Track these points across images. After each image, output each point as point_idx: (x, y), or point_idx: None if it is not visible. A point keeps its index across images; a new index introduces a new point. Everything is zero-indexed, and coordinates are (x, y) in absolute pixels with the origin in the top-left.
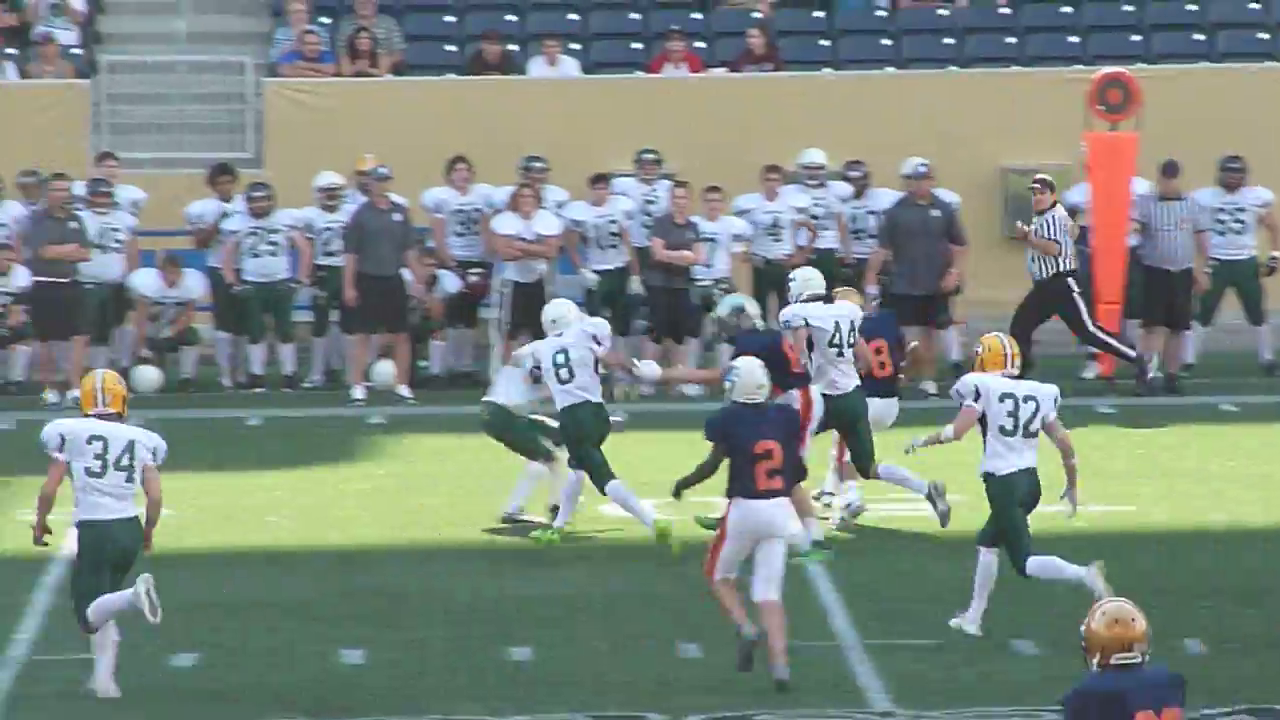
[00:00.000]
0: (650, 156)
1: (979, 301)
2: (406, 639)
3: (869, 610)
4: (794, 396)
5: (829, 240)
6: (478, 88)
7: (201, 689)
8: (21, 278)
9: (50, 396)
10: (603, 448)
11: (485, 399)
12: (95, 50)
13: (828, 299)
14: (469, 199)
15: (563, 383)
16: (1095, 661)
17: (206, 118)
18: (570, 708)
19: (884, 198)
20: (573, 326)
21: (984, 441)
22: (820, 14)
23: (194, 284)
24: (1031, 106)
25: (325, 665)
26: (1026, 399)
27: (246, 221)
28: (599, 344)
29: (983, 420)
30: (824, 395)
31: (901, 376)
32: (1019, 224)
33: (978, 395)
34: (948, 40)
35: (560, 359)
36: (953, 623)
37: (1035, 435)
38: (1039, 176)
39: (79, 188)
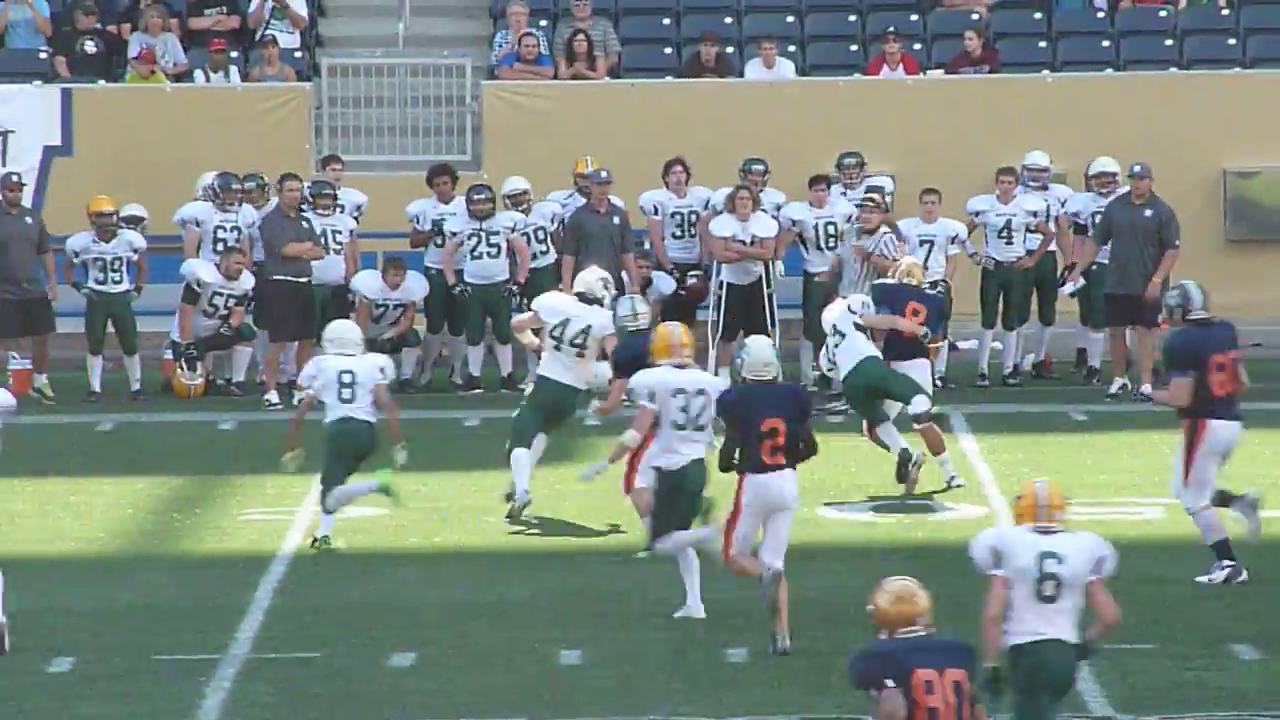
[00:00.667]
0: (851, 160)
1: None
2: (625, 640)
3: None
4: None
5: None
6: (694, 90)
7: (420, 688)
8: (248, 282)
9: (272, 398)
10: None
11: None
12: (316, 53)
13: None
14: (686, 201)
15: (344, 401)
16: (883, 636)
17: (425, 120)
18: (786, 711)
19: (1078, 198)
20: (361, 353)
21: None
22: (1039, 15)
23: (415, 286)
24: (1253, 108)
25: (544, 666)
26: (698, 392)
27: (468, 223)
28: (383, 374)
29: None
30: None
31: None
32: (853, 243)
33: (652, 396)
34: (1168, 42)
35: (347, 378)
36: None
37: (704, 428)
38: (869, 196)
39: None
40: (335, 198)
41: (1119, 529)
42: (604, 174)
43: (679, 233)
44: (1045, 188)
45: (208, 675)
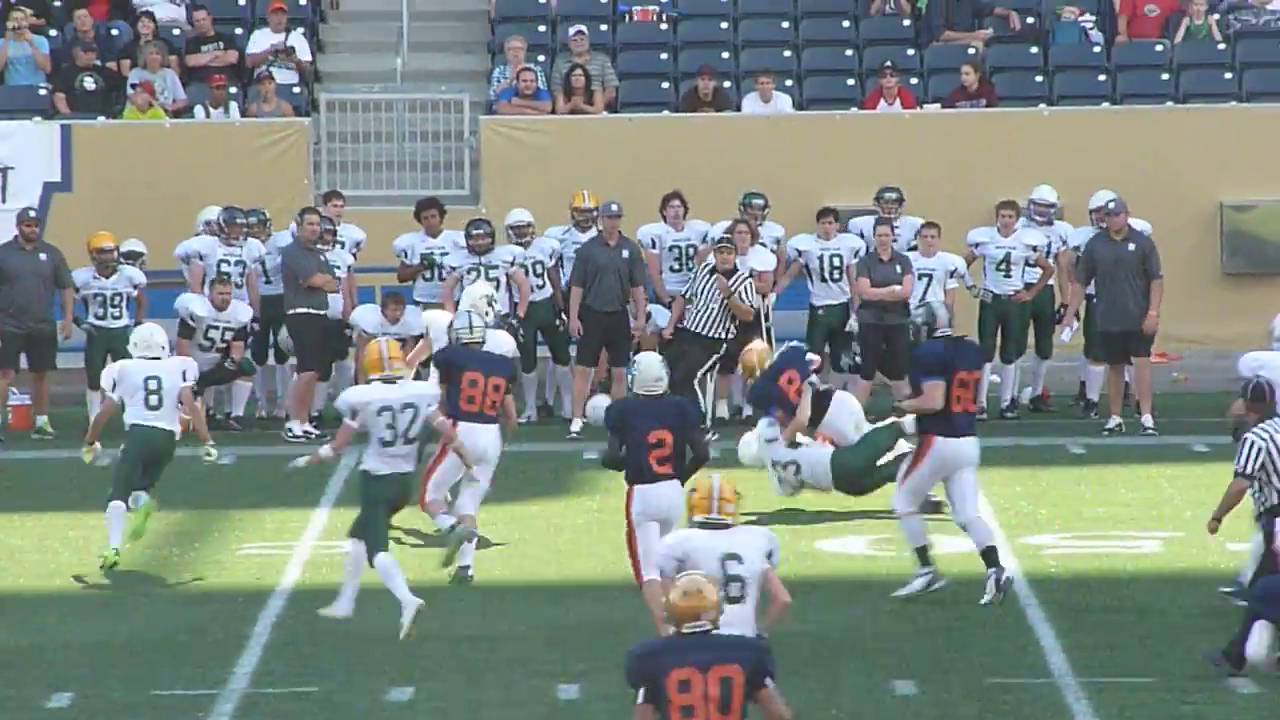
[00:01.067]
0: (891, 195)
1: (1198, 338)
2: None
3: (1084, 645)
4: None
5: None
6: (692, 124)
7: None
8: (244, 314)
9: (294, 429)
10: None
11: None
12: (315, 89)
13: None
14: (684, 235)
15: (151, 409)
16: (673, 630)
17: (424, 155)
18: None
19: (1080, 233)
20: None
21: None
22: (1035, 50)
23: (415, 320)
24: (1249, 142)
25: (542, 700)
26: (405, 407)
27: (466, 258)
28: (185, 378)
29: None
30: None
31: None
32: (721, 281)
33: (354, 414)
34: (1164, 76)
35: (153, 384)
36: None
37: (414, 441)
38: (723, 237)
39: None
40: (335, 233)
41: (1118, 562)
42: (614, 207)
43: (677, 266)
44: (1051, 223)
45: (206, 710)
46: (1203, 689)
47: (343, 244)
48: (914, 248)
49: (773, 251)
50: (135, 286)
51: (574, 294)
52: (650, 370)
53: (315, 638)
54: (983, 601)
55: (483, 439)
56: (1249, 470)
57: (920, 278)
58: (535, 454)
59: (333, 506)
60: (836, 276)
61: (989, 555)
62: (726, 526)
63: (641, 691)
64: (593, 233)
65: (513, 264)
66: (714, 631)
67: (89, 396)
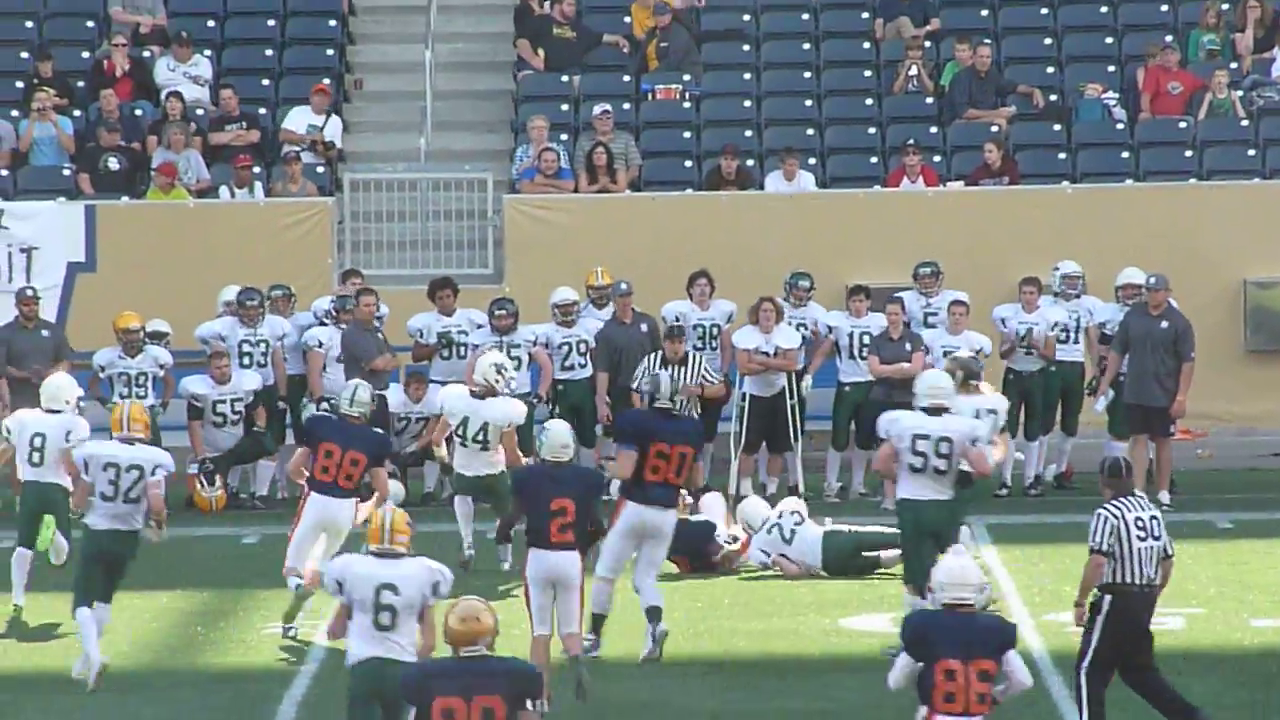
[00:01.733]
0: (927, 270)
1: (1221, 415)
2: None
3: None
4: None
5: (1075, 352)
6: (715, 203)
7: None
8: (249, 382)
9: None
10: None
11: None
12: (339, 168)
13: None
14: (709, 314)
15: (33, 465)
16: (451, 654)
17: (447, 234)
18: None
19: (1105, 309)
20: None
21: None
22: (1058, 127)
23: (435, 398)
24: (1273, 218)
25: None
26: (130, 468)
27: (489, 336)
28: (69, 440)
29: None
30: None
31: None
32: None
33: (86, 467)
34: (1187, 153)
35: (37, 441)
36: None
37: (136, 501)
38: (673, 325)
39: (324, 302)
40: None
41: None
42: (624, 286)
43: (700, 344)
44: (1079, 295)
45: None
46: None
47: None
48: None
49: (803, 332)
50: (161, 366)
51: (600, 379)
52: (559, 437)
53: (343, 717)
54: (641, 658)
55: (333, 511)
56: (1102, 546)
57: (945, 355)
58: None
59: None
60: (865, 355)
61: (652, 613)
62: (396, 556)
63: (414, 712)
64: (608, 311)
65: (535, 343)
66: (488, 655)
67: None
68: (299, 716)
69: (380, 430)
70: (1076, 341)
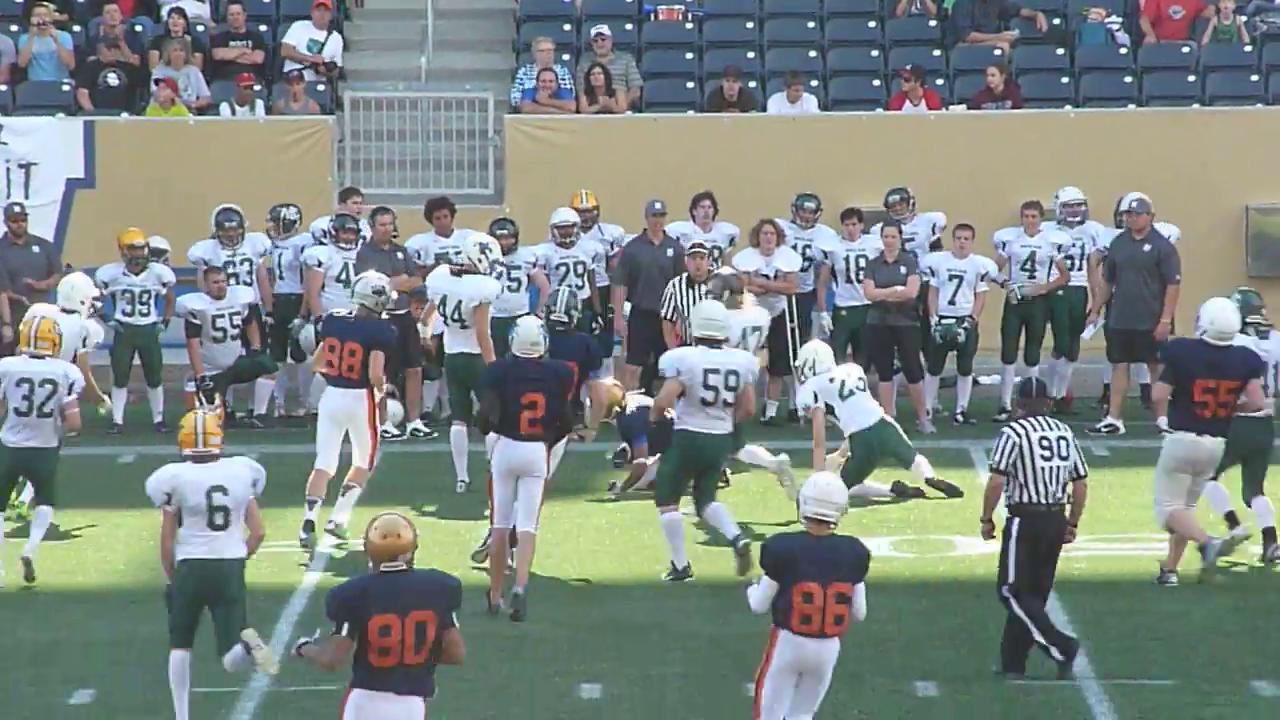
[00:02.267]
0: (896, 197)
1: None
2: (645, 673)
3: (1107, 648)
4: None
5: (1080, 278)
6: (717, 125)
7: None
8: (245, 295)
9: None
10: None
11: None
12: (339, 87)
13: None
14: (710, 236)
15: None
16: (371, 568)
17: (447, 154)
18: None
19: (1109, 234)
20: None
21: None
22: (1061, 51)
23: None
24: (1275, 144)
25: (564, 699)
26: (43, 382)
27: None
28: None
29: None
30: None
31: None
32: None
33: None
34: (1190, 78)
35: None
36: None
37: (49, 415)
38: (695, 244)
39: (324, 222)
40: (358, 231)
41: (1141, 565)
42: (658, 205)
43: None
44: (1082, 223)
45: (229, 708)
46: (1225, 691)
47: (363, 240)
48: (936, 244)
49: (808, 257)
50: (164, 284)
51: (618, 293)
52: (529, 334)
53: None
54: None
55: (345, 403)
56: (1000, 464)
57: (951, 279)
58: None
59: (354, 505)
60: (861, 278)
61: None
62: (214, 458)
63: (345, 626)
64: (595, 233)
65: (534, 265)
66: (409, 571)
67: (113, 394)
68: (296, 634)
69: (383, 320)
70: (1079, 267)
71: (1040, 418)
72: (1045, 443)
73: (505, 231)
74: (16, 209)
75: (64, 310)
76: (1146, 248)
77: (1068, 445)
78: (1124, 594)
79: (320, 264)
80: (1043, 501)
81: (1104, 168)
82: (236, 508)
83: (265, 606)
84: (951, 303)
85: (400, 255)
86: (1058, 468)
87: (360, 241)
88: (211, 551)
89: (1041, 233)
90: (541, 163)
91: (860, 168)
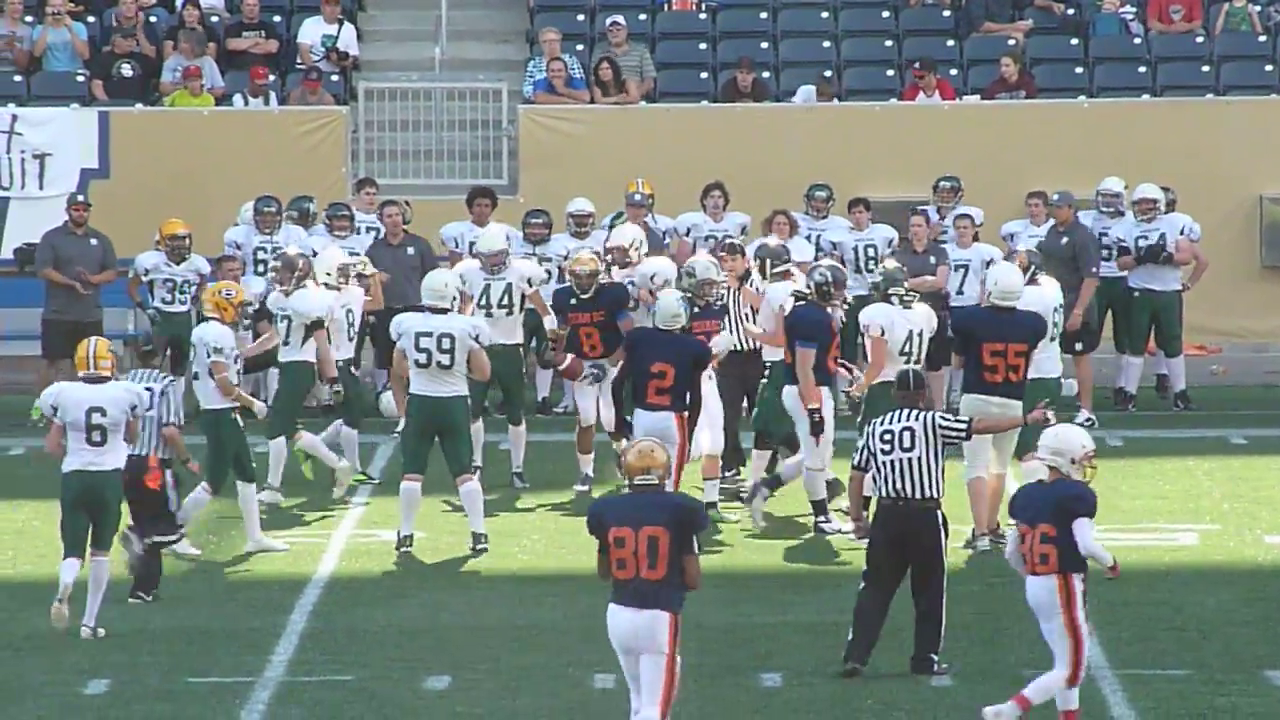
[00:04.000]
0: (947, 184)
1: (1236, 331)
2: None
3: (1120, 637)
4: None
5: (1109, 269)
6: (730, 115)
7: (454, 712)
8: (256, 286)
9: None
10: None
11: None
12: (353, 78)
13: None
14: (721, 225)
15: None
16: (625, 483)
17: (461, 144)
18: None
19: (1121, 224)
20: None
21: None
22: (1075, 41)
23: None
24: None
25: (578, 689)
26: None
27: (520, 246)
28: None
29: None
30: None
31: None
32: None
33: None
34: (1204, 68)
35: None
36: None
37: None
38: (727, 238)
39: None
40: (352, 219)
41: (1153, 555)
42: (638, 196)
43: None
44: (1121, 214)
45: (243, 698)
46: (1238, 681)
47: (360, 230)
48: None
49: (820, 248)
50: (200, 275)
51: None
52: (669, 308)
53: (352, 627)
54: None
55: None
56: (856, 462)
57: (956, 269)
58: (570, 444)
59: (370, 496)
60: (871, 267)
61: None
62: (102, 380)
63: (598, 542)
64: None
65: (566, 257)
66: (654, 490)
67: None
68: (309, 625)
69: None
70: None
71: (903, 410)
72: (888, 435)
73: (539, 221)
74: (80, 198)
75: (325, 286)
76: (1064, 240)
77: (913, 436)
78: (1137, 584)
79: (316, 254)
80: (888, 495)
81: (1118, 158)
82: (114, 427)
83: (280, 598)
84: (959, 292)
85: (411, 250)
86: (899, 459)
87: (353, 228)
88: (89, 464)
89: (1048, 222)
90: (556, 153)
91: (873, 158)
